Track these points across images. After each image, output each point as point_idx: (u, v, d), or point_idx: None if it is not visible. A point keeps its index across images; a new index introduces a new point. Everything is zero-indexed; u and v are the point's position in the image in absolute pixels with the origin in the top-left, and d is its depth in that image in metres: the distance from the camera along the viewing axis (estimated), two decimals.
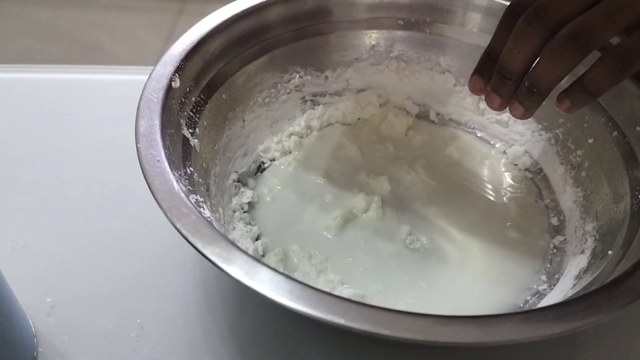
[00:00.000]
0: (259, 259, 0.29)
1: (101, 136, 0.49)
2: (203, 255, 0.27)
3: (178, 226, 0.28)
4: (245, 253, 0.27)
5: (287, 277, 0.26)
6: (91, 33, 2.01)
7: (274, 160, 0.47)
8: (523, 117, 0.35)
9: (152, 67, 0.50)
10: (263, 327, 0.37)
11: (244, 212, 0.42)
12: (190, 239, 0.28)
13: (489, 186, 0.45)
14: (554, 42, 0.31)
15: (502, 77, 0.34)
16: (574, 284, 0.35)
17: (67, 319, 0.37)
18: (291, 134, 0.48)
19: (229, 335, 0.37)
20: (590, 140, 0.41)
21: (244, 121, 0.45)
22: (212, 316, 0.37)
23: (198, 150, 0.38)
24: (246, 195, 0.43)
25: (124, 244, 0.41)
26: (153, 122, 0.34)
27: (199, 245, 0.27)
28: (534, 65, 0.33)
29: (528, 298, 0.37)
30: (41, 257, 0.40)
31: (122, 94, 0.53)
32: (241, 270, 0.26)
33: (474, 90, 0.37)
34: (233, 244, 0.28)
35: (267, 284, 0.26)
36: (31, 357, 0.34)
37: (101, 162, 0.47)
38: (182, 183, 0.32)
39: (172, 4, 2.19)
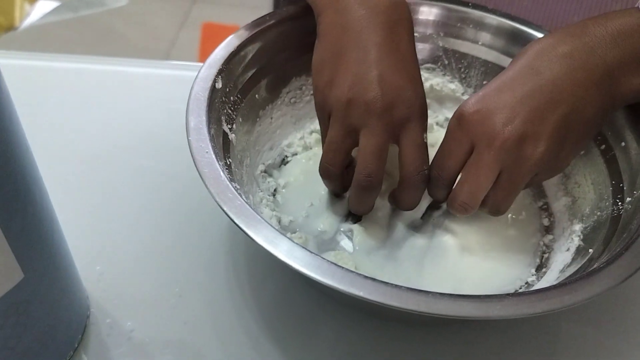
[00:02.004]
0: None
1: (141, 126, 0.54)
2: (247, 234, 0.32)
3: (225, 209, 0.33)
4: (285, 236, 0.32)
5: (320, 257, 0.31)
6: (105, 17, 2.05)
7: (296, 154, 0.52)
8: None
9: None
10: (282, 298, 0.42)
11: (270, 200, 0.47)
12: (236, 220, 0.33)
13: None
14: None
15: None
16: (558, 277, 0.40)
17: (114, 286, 0.42)
18: (312, 131, 0.53)
19: (254, 304, 0.42)
20: (581, 152, 0.46)
21: (271, 118, 0.50)
22: (240, 287, 0.43)
23: (235, 144, 0.43)
24: (271, 184, 0.48)
25: (164, 221, 0.47)
26: (201, 118, 0.39)
27: (244, 226, 0.33)
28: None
29: (518, 288, 0.43)
30: (89, 230, 0.46)
31: (160, 87, 0.59)
32: (282, 251, 0.32)
33: None
34: (273, 227, 0.33)
35: (301, 261, 0.31)
36: (85, 315, 0.40)
37: (142, 148, 0.52)
38: (224, 172, 0.37)
39: None
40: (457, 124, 0.39)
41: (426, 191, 0.43)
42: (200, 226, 0.46)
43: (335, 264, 0.32)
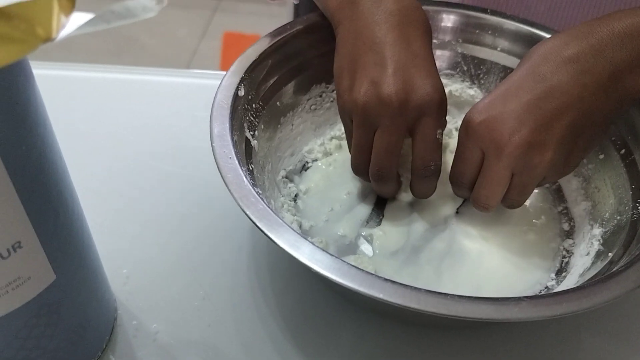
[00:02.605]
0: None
1: (166, 133, 0.56)
2: (269, 237, 0.33)
3: (248, 213, 0.34)
4: (307, 239, 0.33)
5: (340, 260, 0.32)
6: (128, 26, 2.09)
7: (316, 160, 0.52)
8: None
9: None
10: (304, 301, 0.43)
11: (291, 205, 0.48)
12: (259, 223, 0.34)
13: None
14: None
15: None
16: (578, 281, 0.40)
17: (140, 288, 0.43)
18: (332, 138, 0.54)
19: (276, 307, 0.43)
20: (601, 156, 0.46)
21: (292, 125, 0.51)
22: (262, 290, 0.44)
23: (257, 150, 0.44)
24: (292, 190, 0.49)
25: (188, 225, 0.48)
26: (224, 125, 0.40)
27: (266, 229, 0.33)
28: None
29: (537, 292, 0.43)
30: (116, 234, 0.47)
31: (185, 95, 0.60)
32: (303, 254, 0.32)
33: None
34: (295, 230, 0.34)
35: (322, 264, 0.32)
36: (112, 317, 0.41)
37: (167, 155, 0.53)
38: (247, 177, 0.38)
39: (207, 1, 2.27)
40: (466, 133, 0.40)
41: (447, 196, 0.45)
42: (223, 231, 0.47)
43: (356, 267, 0.32)
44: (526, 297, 0.31)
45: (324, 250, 0.33)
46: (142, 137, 0.55)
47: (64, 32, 0.20)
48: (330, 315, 0.43)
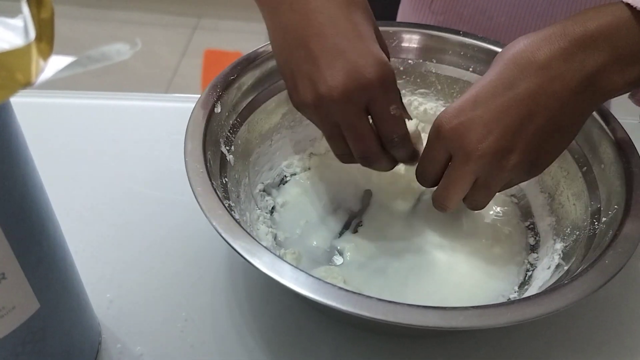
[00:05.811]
0: (279, 255, 0.36)
1: (146, 157, 0.57)
2: (232, 247, 0.35)
3: (214, 224, 0.36)
4: (270, 251, 0.35)
5: (306, 273, 0.34)
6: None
7: (294, 174, 0.54)
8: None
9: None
10: (281, 318, 0.44)
11: (267, 218, 0.50)
12: (224, 234, 0.36)
13: None
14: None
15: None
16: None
17: (123, 312, 0.44)
18: (311, 153, 0.56)
19: (254, 324, 0.44)
20: (565, 174, 0.48)
21: (271, 140, 0.53)
22: (240, 310, 0.45)
23: (232, 164, 0.46)
24: (269, 203, 0.51)
25: (169, 249, 0.49)
26: (198, 141, 0.42)
27: (230, 240, 0.35)
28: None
29: None
30: (99, 259, 0.48)
31: (164, 119, 0.61)
32: (265, 265, 0.34)
33: None
34: (257, 241, 0.35)
35: (287, 277, 0.34)
36: (97, 341, 0.42)
37: (147, 179, 0.55)
38: (219, 190, 0.40)
39: (187, 19, 2.24)
40: (436, 135, 0.41)
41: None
42: (203, 252, 0.48)
43: (311, 275, 0.34)
44: (472, 306, 0.33)
45: (281, 258, 0.35)
46: (123, 162, 0.56)
47: (42, 76, 0.21)
48: (306, 328, 0.44)
